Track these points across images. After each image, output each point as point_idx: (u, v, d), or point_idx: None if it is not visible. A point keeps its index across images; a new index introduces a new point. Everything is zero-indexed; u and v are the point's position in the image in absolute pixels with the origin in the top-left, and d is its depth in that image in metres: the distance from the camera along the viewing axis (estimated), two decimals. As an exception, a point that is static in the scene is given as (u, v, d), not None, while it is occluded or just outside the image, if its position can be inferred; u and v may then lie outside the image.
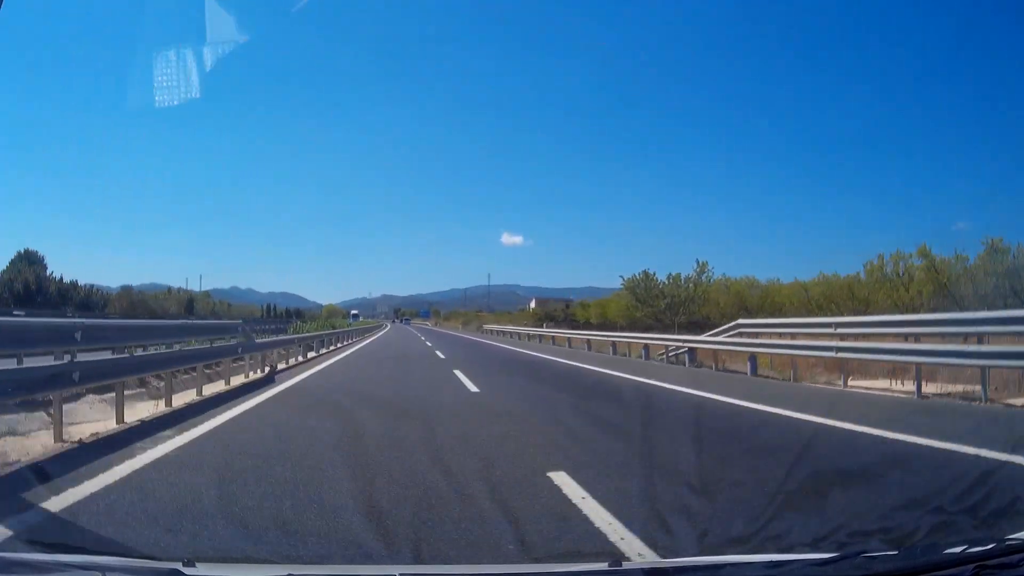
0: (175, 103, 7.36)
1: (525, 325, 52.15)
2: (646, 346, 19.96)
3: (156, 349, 9.81)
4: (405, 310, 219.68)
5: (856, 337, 11.38)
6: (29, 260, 45.50)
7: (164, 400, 8.16)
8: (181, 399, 8.66)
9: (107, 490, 4.00)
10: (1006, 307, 15.93)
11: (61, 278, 46.45)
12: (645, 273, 39.09)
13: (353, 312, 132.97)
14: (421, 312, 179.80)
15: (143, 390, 8.80)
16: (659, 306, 36.12)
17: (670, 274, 37.63)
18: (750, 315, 25.44)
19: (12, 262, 45.07)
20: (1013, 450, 5.02)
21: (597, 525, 3.44)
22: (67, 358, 6.21)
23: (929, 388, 9.67)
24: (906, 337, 11.33)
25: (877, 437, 6.03)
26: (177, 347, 9.80)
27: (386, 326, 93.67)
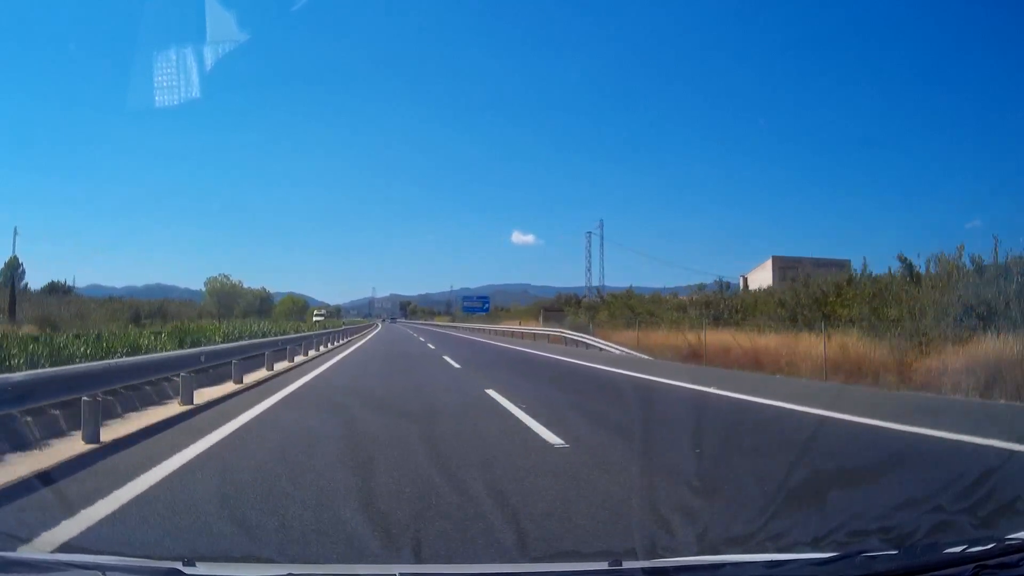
0: (175, 103, 7.31)
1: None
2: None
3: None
4: (420, 308, 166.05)
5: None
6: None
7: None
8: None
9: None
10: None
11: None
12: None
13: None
14: (467, 306, 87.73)
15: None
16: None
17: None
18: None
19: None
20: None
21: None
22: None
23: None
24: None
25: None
26: None
27: (377, 326, 74.17)
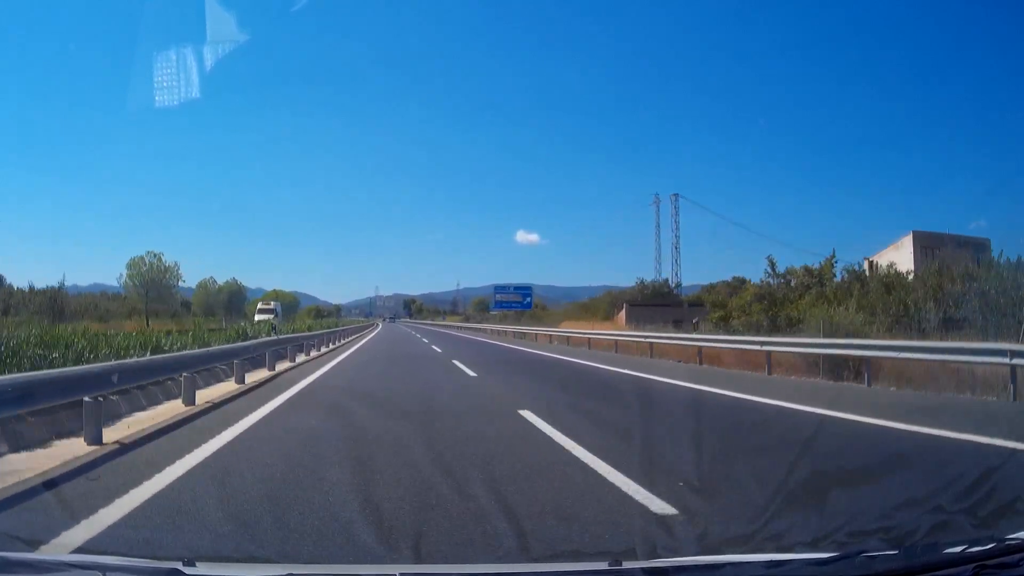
0: (175, 103, 7.30)
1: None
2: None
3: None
4: (426, 307, 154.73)
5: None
6: None
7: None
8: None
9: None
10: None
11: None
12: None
13: None
14: (500, 301, 63.94)
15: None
16: None
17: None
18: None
19: None
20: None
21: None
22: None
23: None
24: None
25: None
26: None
27: (377, 326, 68.61)
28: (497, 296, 63.72)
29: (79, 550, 3.08)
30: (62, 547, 3.15)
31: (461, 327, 63.43)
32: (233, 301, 67.14)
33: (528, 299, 61.69)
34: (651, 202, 59.67)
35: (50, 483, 4.63)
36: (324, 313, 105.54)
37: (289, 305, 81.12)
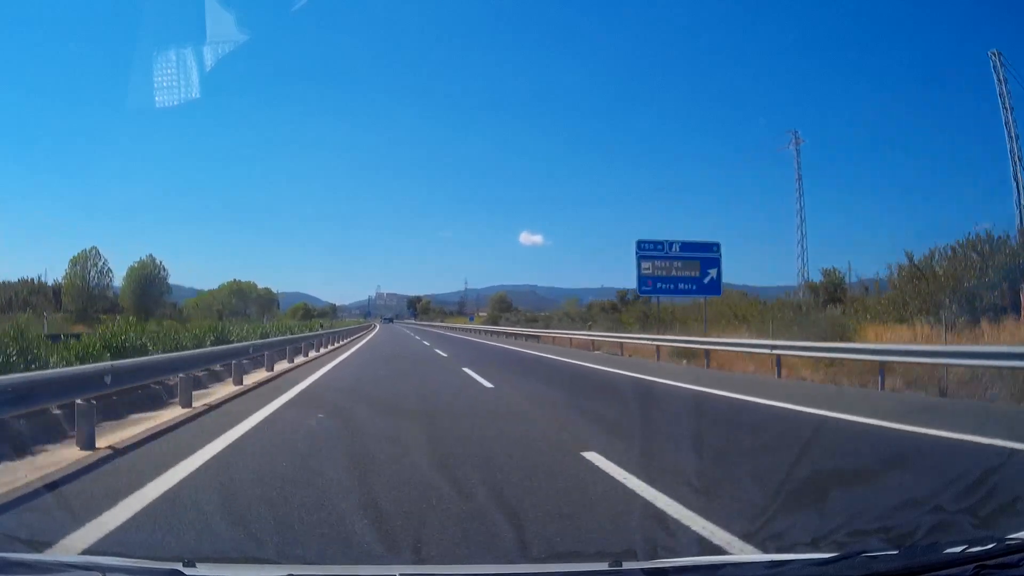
0: (176, 103, 7.27)
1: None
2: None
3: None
4: (433, 307, 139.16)
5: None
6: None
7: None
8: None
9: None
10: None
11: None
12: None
13: None
14: (653, 278, 25.18)
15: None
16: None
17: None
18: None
19: None
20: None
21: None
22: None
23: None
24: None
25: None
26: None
27: (374, 327, 66.27)
28: (643, 266, 26.51)
29: (81, 552, 3.06)
30: (64, 549, 3.13)
31: (510, 334, 41.49)
32: (149, 290, 48.71)
33: (712, 273, 27.01)
34: (787, 144, 42.68)
35: (51, 486, 4.58)
36: (314, 313, 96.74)
37: (266, 301, 67.93)
